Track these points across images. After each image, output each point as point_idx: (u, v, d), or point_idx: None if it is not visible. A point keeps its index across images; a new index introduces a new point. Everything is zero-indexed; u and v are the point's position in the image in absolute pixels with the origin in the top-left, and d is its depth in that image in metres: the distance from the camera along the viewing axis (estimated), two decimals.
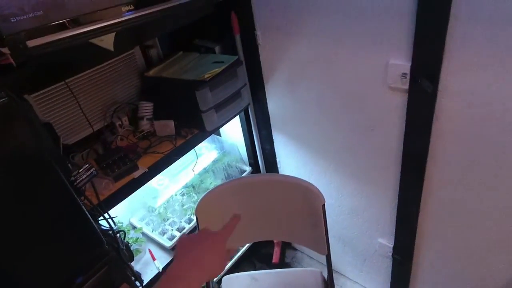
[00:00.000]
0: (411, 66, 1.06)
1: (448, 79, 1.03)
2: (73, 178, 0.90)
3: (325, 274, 1.37)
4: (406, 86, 1.11)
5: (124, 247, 1.09)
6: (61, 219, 0.82)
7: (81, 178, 0.91)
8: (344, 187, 1.59)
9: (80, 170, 0.92)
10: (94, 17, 0.88)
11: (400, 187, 1.36)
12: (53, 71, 1.13)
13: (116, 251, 1.03)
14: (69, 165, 1.00)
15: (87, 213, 0.84)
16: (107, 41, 0.99)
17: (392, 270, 1.67)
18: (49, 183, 0.78)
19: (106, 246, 0.92)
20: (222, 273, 1.81)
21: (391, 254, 1.59)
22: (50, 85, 1.21)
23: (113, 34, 1.00)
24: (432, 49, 1.00)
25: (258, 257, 2.10)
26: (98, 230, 0.88)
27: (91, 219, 0.85)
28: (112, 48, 1.01)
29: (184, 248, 0.67)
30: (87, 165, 0.94)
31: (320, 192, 1.21)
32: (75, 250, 0.87)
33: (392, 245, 1.57)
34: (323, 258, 1.29)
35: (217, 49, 1.54)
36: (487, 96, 0.99)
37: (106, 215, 1.09)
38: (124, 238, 1.18)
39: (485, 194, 1.16)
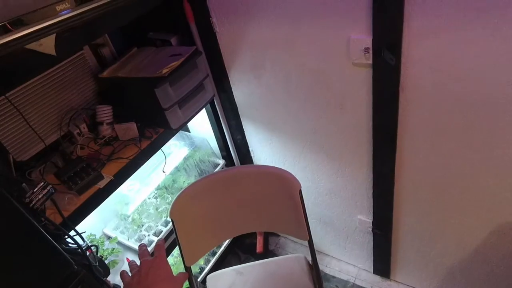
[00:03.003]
0: (373, 39, 1.04)
1: (410, 48, 1.02)
2: (28, 200, 0.82)
3: (309, 258, 1.36)
4: (370, 61, 1.09)
5: (97, 263, 1.02)
6: (18, 248, 0.74)
7: (37, 198, 0.84)
8: (319, 169, 1.58)
9: (35, 190, 0.84)
10: (25, 21, 0.79)
11: (373, 162, 1.36)
12: None
13: (88, 269, 0.97)
14: (24, 184, 0.92)
15: (47, 236, 0.77)
16: (47, 45, 0.90)
17: (373, 244, 1.69)
18: None
19: (75, 267, 0.85)
20: (206, 271, 1.77)
21: (371, 229, 1.61)
22: None
23: (53, 36, 0.91)
24: (390, 19, 0.98)
25: (242, 248, 2.08)
26: (63, 252, 0.81)
27: (53, 242, 0.78)
28: (54, 53, 0.92)
29: (133, 285, 0.72)
30: (42, 183, 0.86)
31: (295, 178, 1.18)
32: (39, 277, 0.80)
33: (371, 220, 1.58)
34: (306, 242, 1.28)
35: (173, 40, 1.45)
36: (449, 60, 0.98)
37: (73, 232, 1.02)
38: (97, 253, 1.11)
39: (456, 157, 1.17)
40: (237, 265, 1.45)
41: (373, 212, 1.53)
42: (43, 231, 0.77)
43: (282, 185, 1.22)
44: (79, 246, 0.94)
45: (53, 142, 1.32)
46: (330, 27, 1.11)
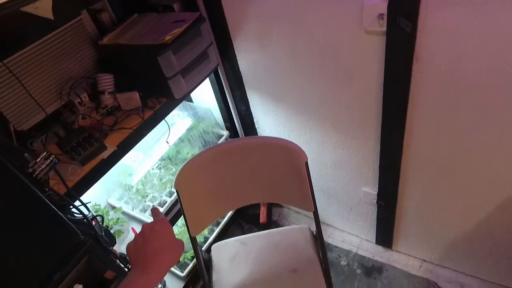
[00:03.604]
0: (388, 5, 0.98)
1: (427, 16, 0.96)
2: (30, 170, 0.80)
3: (313, 229, 1.37)
4: (384, 28, 1.03)
5: (103, 233, 1.03)
6: (24, 218, 0.74)
7: (40, 169, 0.82)
8: (325, 141, 1.55)
9: (38, 160, 0.82)
10: None
11: (382, 134, 1.33)
12: None
13: (95, 239, 0.97)
14: (26, 154, 0.90)
15: (52, 206, 0.76)
16: (44, 8, 0.86)
17: (377, 216, 1.70)
18: None
19: (82, 237, 0.85)
20: (210, 240, 1.80)
21: (375, 201, 1.61)
22: None
23: None
24: None
25: (245, 218, 2.10)
26: (69, 222, 0.80)
27: (59, 212, 0.77)
28: (51, 16, 0.88)
29: (134, 253, 0.70)
30: (45, 153, 0.84)
31: (302, 150, 1.16)
32: (47, 247, 0.80)
33: (376, 192, 1.58)
34: (310, 212, 1.27)
35: (175, 6, 1.39)
36: (468, 32, 0.93)
37: (77, 202, 1.01)
38: (102, 223, 1.11)
39: (467, 134, 1.14)
40: (240, 235, 1.46)
41: (379, 185, 1.53)
42: (48, 201, 0.76)
43: (288, 157, 1.20)
44: (85, 216, 0.93)
45: (54, 111, 1.29)
46: None
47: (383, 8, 0.99)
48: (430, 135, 1.22)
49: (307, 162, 1.17)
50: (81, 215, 0.93)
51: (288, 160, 1.20)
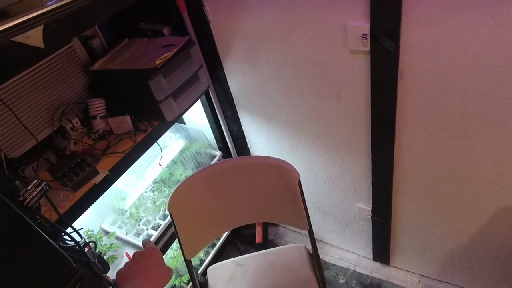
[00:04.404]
0: (371, 26, 1.02)
1: (408, 35, 1.00)
2: (21, 198, 0.80)
3: (309, 247, 1.36)
4: (368, 47, 1.06)
5: (96, 259, 1.01)
6: (14, 247, 0.72)
7: (31, 196, 0.82)
8: (317, 158, 1.57)
9: (29, 188, 0.82)
10: (10, 12, 0.76)
11: (372, 150, 1.35)
12: None
13: (87, 266, 0.95)
14: (17, 182, 0.89)
15: (43, 234, 0.74)
16: (35, 37, 0.87)
17: (373, 232, 1.70)
18: None
19: (74, 264, 0.84)
20: (206, 263, 1.77)
21: (370, 216, 1.61)
22: None
23: (40, 28, 0.87)
24: (389, 4, 0.95)
25: (241, 239, 2.08)
26: (60, 250, 0.79)
27: (50, 240, 0.76)
28: (42, 45, 0.89)
29: (122, 276, 0.76)
30: (36, 180, 0.84)
31: (294, 168, 1.17)
32: (38, 276, 0.78)
33: (371, 208, 1.58)
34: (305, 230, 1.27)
35: (165, 30, 1.42)
36: (448, 47, 0.96)
37: (70, 229, 1.00)
38: (95, 249, 1.09)
39: (454, 146, 1.16)
40: (236, 256, 1.44)
41: (372, 200, 1.53)
42: (38, 229, 0.75)
43: (281, 176, 1.20)
44: (77, 243, 0.92)
45: (45, 137, 1.29)
46: (326, 15, 1.09)
47: (365, 28, 1.03)
48: (420, 148, 1.24)
49: (299, 180, 1.17)
50: (73, 242, 0.92)
51: (281, 178, 1.21)
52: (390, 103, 1.16)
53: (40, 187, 0.84)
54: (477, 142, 1.11)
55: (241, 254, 2.00)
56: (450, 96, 1.06)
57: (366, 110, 1.24)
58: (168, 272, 0.79)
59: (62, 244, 0.91)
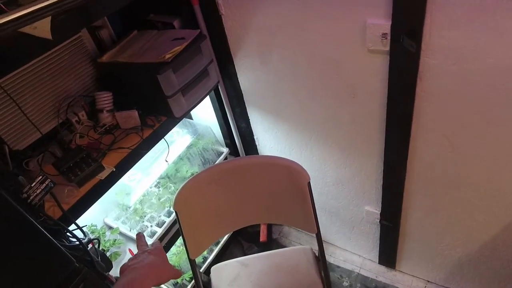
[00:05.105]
0: (392, 25, 0.97)
1: (431, 36, 0.95)
2: (25, 195, 0.77)
3: (314, 248, 1.33)
4: (387, 48, 1.02)
5: (99, 258, 0.99)
6: (16, 246, 0.70)
7: (35, 193, 0.79)
8: (327, 159, 1.53)
9: (33, 185, 0.79)
10: (19, 1, 0.72)
11: (385, 153, 1.31)
12: None
13: (91, 265, 0.93)
14: (21, 177, 0.86)
15: (46, 234, 0.72)
16: (42, 28, 0.83)
17: (380, 235, 1.66)
18: None
19: (77, 264, 0.81)
20: (210, 260, 1.75)
21: (378, 220, 1.58)
22: None
23: (49, 19, 0.84)
24: (413, 3, 0.91)
25: (245, 236, 2.05)
26: (64, 249, 0.77)
27: (53, 240, 0.74)
28: (50, 36, 0.85)
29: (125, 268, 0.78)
30: (41, 177, 0.81)
31: (304, 170, 1.14)
32: (40, 276, 0.76)
33: (379, 211, 1.54)
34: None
35: (175, 23, 1.37)
36: (473, 50, 0.92)
37: (73, 226, 0.97)
38: (99, 246, 1.07)
39: (472, 152, 1.12)
40: (240, 253, 1.42)
41: (382, 204, 1.50)
42: (42, 229, 0.73)
43: (290, 177, 1.17)
44: (80, 241, 0.89)
45: (51, 130, 1.26)
46: (344, 11, 1.04)
47: (386, 27, 0.98)
48: (435, 153, 1.20)
49: (309, 183, 1.14)
50: (76, 241, 0.89)
51: (290, 180, 1.18)
52: (407, 106, 1.12)
53: (44, 184, 0.81)
54: (497, 150, 1.07)
55: (244, 252, 1.98)
56: (470, 101, 1.02)
57: (381, 111, 1.20)
58: (172, 270, 0.82)
59: (66, 243, 0.89)
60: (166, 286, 1.58)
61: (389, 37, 0.99)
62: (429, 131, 1.16)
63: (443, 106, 1.07)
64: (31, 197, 0.78)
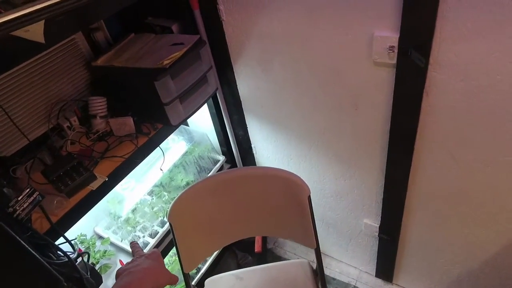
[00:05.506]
0: (400, 38, 0.94)
1: (440, 50, 0.92)
2: (11, 209, 0.71)
3: (310, 259, 1.29)
4: (394, 61, 0.99)
5: (88, 273, 0.93)
6: (0, 269, 0.65)
7: (22, 208, 0.74)
8: (326, 170, 1.50)
9: (20, 198, 0.74)
10: (13, 2, 0.68)
11: (387, 167, 1.28)
12: None
13: (80, 282, 0.87)
14: (6, 189, 0.81)
15: (33, 252, 0.67)
16: (35, 32, 0.79)
17: (378, 249, 1.63)
18: None
19: (65, 284, 0.76)
20: (203, 271, 1.70)
21: (377, 233, 1.54)
22: None
23: (42, 22, 0.79)
24: (423, 17, 0.88)
25: (239, 246, 2.00)
26: (51, 269, 0.71)
27: (40, 258, 0.68)
28: (42, 40, 0.81)
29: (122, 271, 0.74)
30: (28, 189, 0.76)
31: (305, 183, 1.10)
32: None
33: (379, 225, 1.51)
34: None
35: (174, 27, 1.33)
36: (482, 66, 0.89)
37: (61, 239, 0.92)
38: (88, 260, 1.02)
39: (477, 169, 1.10)
40: (234, 263, 1.37)
41: (381, 217, 1.46)
42: (28, 247, 0.67)
43: (290, 190, 1.13)
44: (69, 258, 0.84)
45: (41, 135, 1.21)
46: (351, 22, 1.01)
47: (394, 40, 0.95)
48: (439, 169, 1.17)
49: (309, 196, 1.10)
50: (65, 257, 0.84)
51: (289, 193, 1.14)
52: (411, 121, 1.09)
53: (32, 197, 0.76)
54: (503, 169, 1.04)
55: (239, 262, 1.93)
56: (477, 118, 0.99)
57: (385, 125, 1.17)
58: (170, 275, 0.79)
59: (54, 259, 0.83)
60: None
61: (396, 50, 0.97)
62: (433, 147, 1.13)
63: (449, 122, 1.04)
64: (18, 212, 0.73)
